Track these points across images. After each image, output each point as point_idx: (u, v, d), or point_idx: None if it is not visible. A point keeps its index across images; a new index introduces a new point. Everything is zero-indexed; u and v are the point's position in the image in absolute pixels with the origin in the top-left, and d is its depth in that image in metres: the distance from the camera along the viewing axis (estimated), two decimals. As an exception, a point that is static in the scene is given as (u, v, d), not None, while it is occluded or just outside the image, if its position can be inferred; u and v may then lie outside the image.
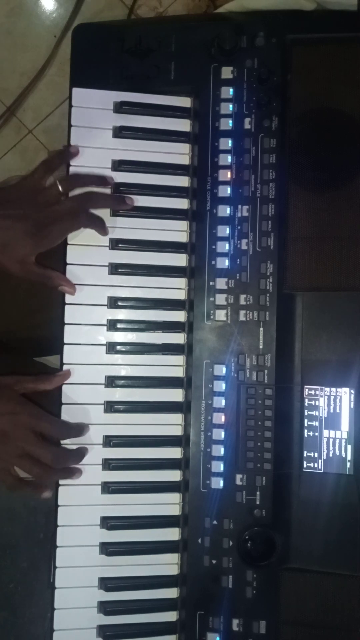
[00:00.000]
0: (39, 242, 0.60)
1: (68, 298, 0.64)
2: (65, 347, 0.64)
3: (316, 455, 0.65)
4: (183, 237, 0.66)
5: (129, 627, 0.64)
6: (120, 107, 0.65)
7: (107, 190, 0.64)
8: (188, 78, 0.66)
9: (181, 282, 0.66)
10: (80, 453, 0.63)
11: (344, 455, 0.64)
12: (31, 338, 0.79)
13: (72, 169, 0.65)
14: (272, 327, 0.64)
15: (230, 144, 0.65)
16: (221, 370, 0.64)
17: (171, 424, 0.65)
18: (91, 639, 0.64)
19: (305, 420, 0.65)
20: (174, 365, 0.66)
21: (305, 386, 0.65)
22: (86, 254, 0.65)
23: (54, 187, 0.62)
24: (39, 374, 0.63)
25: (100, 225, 0.63)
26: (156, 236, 0.66)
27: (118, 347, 0.65)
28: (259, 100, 0.64)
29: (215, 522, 0.64)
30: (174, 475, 0.65)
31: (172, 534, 0.65)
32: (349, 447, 0.64)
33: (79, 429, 0.63)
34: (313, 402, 0.65)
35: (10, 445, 0.60)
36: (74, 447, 0.63)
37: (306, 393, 0.65)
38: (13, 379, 0.63)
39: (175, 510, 0.65)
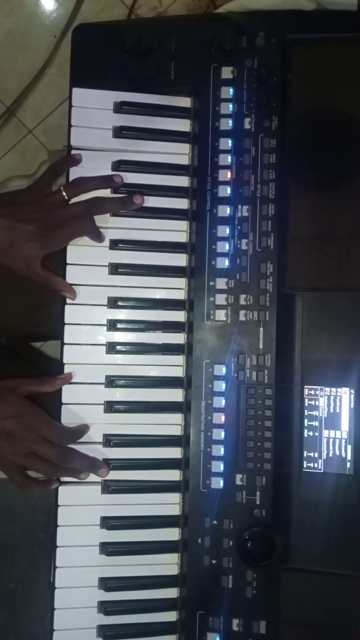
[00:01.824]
0: (44, 244, 0.60)
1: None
2: (65, 347, 0.64)
3: (316, 455, 0.65)
4: (183, 237, 0.66)
5: (129, 627, 0.64)
6: (120, 107, 0.65)
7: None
8: (188, 78, 0.66)
9: (181, 282, 0.66)
10: (88, 458, 0.63)
11: (344, 455, 0.64)
12: (32, 335, 0.79)
13: (72, 170, 0.65)
14: (272, 327, 0.64)
15: (230, 144, 0.65)
16: (221, 370, 0.64)
17: (171, 424, 0.65)
18: (91, 639, 0.64)
19: (305, 420, 0.65)
20: (174, 365, 0.66)
21: (305, 386, 0.65)
22: (86, 254, 0.65)
23: (59, 192, 0.63)
24: (40, 377, 0.64)
25: (97, 234, 0.64)
26: (156, 236, 0.66)
27: (118, 347, 0.65)
28: (259, 100, 0.64)
29: (215, 522, 0.64)
30: (174, 475, 0.65)
31: (172, 534, 0.65)
32: (349, 447, 0.64)
33: (79, 433, 0.64)
34: (313, 402, 0.65)
35: (17, 446, 0.61)
36: (80, 446, 0.64)
37: (306, 393, 0.65)
38: (15, 381, 0.63)
39: (175, 510, 0.65)
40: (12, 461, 0.62)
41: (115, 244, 0.65)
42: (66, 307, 0.65)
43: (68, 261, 0.64)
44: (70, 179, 0.65)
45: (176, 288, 0.66)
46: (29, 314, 0.76)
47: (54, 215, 0.61)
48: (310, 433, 0.65)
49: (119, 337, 0.65)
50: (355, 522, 0.63)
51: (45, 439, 0.61)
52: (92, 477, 0.64)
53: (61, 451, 0.62)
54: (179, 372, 0.66)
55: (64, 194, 0.62)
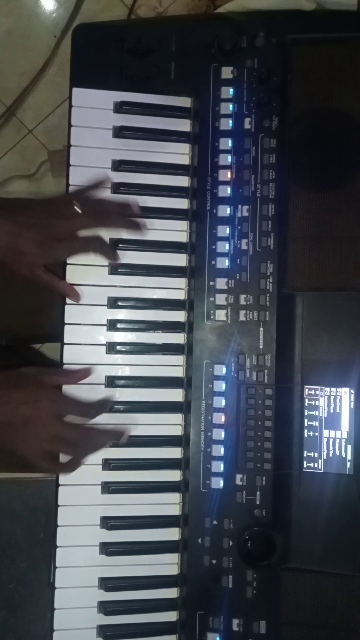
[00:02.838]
0: (46, 253, 0.61)
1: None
2: (65, 347, 0.64)
3: (316, 455, 0.65)
4: (183, 237, 0.66)
5: (129, 627, 0.64)
6: (120, 107, 0.65)
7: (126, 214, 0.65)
8: (188, 78, 0.66)
9: (181, 282, 0.66)
10: (109, 430, 0.63)
11: (344, 455, 0.64)
12: (34, 336, 0.79)
13: (72, 169, 0.65)
14: (272, 327, 0.64)
15: (230, 144, 0.65)
16: (221, 370, 0.64)
17: (171, 424, 0.65)
18: (91, 639, 0.64)
19: (305, 420, 0.65)
20: (174, 365, 0.66)
21: (305, 386, 0.65)
22: (86, 254, 0.65)
23: (72, 207, 0.62)
24: (61, 368, 0.64)
25: (110, 255, 0.64)
26: (156, 236, 0.66)
27: (118, 347, 0.65)
28: (259, 100, 0.65)
29: (215, 522, 0.63)
30: (174, 475, 0.65)
31: (172, 534, 0.65)
32: (349, 447, 0.64)
33: (103, 405, 0.63)
34: (313, 402, 0.65)
35: (38, 431, 0.61)
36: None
37: (306, 393, 0.65)
38: (35, 369, 0.63)
39: (175, 510, 0.65)
40: (36, 447, 0.61)
41: (115, 244, 0.65)
42: (66, 307, 0.65)
43: (68, 261, 0.64)
44: (70, 178, 0.65)
45: (176, 288, 0.66)
46: (31, 316, 0.77)
47: (62, 226, 0.61)
48: (310, 433, 0.65)
49: (119, 337, 0.65)
50: (355, 522, 0.63)
51: (67, 421, 0.61)
52: (92, 478, 0.64)
53: (83, 431, 0.62)
54: (179, 372, 0.66)
55: (78, 208, 0.63)
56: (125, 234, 0.64)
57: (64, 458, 0.62)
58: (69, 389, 0.63)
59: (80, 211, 0.62)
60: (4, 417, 0.59)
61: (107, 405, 0.64)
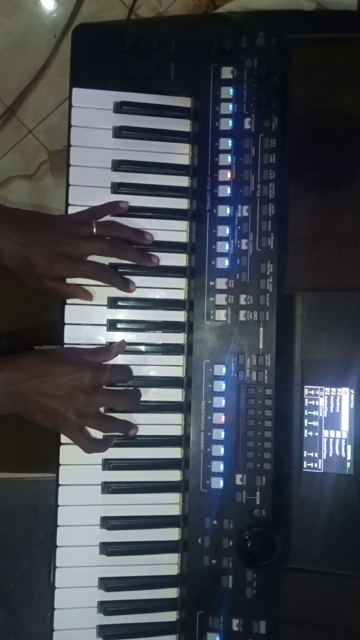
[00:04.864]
0: (56, 269, 0.61)
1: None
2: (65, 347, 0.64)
3: (316, 455, 0.65)
4: (183, 237, 0.66)
5: (129, 627, 0.64)
6: (120, 107, 0.65)
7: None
8: (188, 78, 0.66)
9: (181, 282, 0.66)
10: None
11: (344, 455, 0.64)
12: (35, 337, 0.79)
13: (72, 169, 0.65)
14: (272, 327, 0.64)
15: (230, 144, 0.65)
16: (221, 370, 0.64)
17: (171, 424, 0.65)
18: (91, 639, 0.64)
19: (305, 420, 0.65)
20: (174, 365, 0.66)
21: (305, 386, 0.65)
22: (86, 254, 0.65)
23: (90, 225, 0.63)
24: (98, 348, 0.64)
25: (120, 284, 0.64)
26: (156, 236, 0.66)
27: (118, 347, 0.65)
28: (259, 100, 0.65)
29: (215, 522, 0.64)
30: (174, 475, 0.65)
31: (172, 534, 0.65)
32: (349, 447, 0.64)
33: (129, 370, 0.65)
34: (313, 402, 0.65)
35: (81, 403, 0.60)
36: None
37: (306, 393, 0.65)
38: (72, 348, 0.64)
39: (175, 510, 0.65)
40: (76, 423, 0.61)
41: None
42: (66, 307, 0.65)
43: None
44: (70, 178, 0.65)
45: (176, 288, 0.66)
46: (31, 316, 0.77)
47: (76, 245, 0.62)
48: (310, 433, 0.65)
49: (119, 337, 0.65)
50: (355, 522, 0.63)
51: (111, 390, 0.62)
52: (92, 478, 0.64)
53: (129, 392, 0.63)
54: (179, 372, 0.66)
55: (94, 229, 0.63)
56: (137, 261, 0.65)
57: (98, 435, 0.64)
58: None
59: (95, 232, 0.63)
60: (51, 390, 0.60)
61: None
